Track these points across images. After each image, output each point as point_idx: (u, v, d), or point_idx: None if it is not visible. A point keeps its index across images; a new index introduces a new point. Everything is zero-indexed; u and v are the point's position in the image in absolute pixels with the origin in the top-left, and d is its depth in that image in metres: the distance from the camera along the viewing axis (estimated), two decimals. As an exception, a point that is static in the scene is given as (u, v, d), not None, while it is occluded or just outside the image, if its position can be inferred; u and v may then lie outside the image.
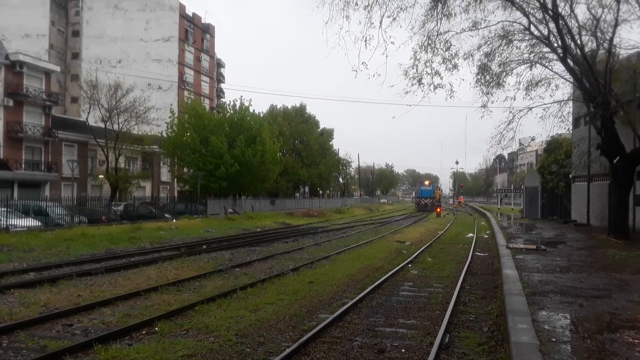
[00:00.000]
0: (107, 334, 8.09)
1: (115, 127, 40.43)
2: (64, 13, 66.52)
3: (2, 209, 25.65)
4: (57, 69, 47.91)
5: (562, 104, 23.56)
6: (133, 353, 7.34)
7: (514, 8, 20.06)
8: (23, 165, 39.95)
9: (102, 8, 64.04)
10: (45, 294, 11.37)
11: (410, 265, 16.58)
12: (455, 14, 18.98)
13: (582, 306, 8.59)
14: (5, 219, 24.81)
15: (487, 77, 21.86)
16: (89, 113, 41.51)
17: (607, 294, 9.74)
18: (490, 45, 21.21)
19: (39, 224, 26.25)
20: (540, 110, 23.01)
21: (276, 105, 70.16)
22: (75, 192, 35.88)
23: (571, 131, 33.04)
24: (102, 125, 40.88)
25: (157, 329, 8.63)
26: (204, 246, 22.08)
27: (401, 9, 17.72)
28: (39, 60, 43.93)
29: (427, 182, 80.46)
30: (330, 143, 76.02)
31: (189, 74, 67.61)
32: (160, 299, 11.01)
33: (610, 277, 11.66)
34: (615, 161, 21.38)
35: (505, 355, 6.75)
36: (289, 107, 70.39)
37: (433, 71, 19.62)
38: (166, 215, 37.34)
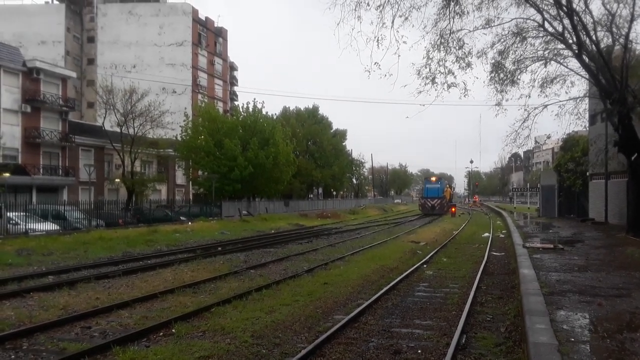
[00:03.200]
0: (124, 336, 8.19)
1: (131, 131, 40.88)
2: (79, 20, 67.55)
3: (22, 213, 26.11)
4: (73, 74, 48.62)
5: (578, 100, 23.26)
6: (151, 355, 7.41)
7: (528, 5, 19.85)
8: (41, 170, 40.56)
9: (117, 14, 64.93)
10: (64, 297, 11.53)
11: (425, 266, 16.49)
12: (467, 12, 18.82)
13: (601, 305, 8.46)
14: (24, 223, 25.23)
15: (501, 75, 21.65)
16: (104, 118, 42.06)
17: (626, 292, 9.59)
18: (503, 43, 21.02)
19: (58, 227, 26.67)
20: (556, 107, 22.73)
21: (289, 107, 70.35)
22: (92, 196, 36.40)
23: (588, 128, 32.56)
24: (117, 129, 41.35)
25: (174, 330, 8.71)
26: (219, 248, 22.20)
27: (413, 8, 17.64)
28: (55, 67, 44.63)
29: (433, 179, 62.76)
30: (344, 144, 75.92)
31: (203, 78, 68.12)
32: (177, 301, 11.10)
33: (629, 276, 11.47)
34: (633, 158, 21.02)
35: (523, 356, 6.68)
36: (302, 108, 70.52)
37: (446, 70, 19.45)
38: (182, 217, 37.64)
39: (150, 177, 47.35)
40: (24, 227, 25.06)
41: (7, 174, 34.24)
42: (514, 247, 18.03)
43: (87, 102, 65.10)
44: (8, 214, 25.30)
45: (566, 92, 24.53)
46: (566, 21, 19.77)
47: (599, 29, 20.46)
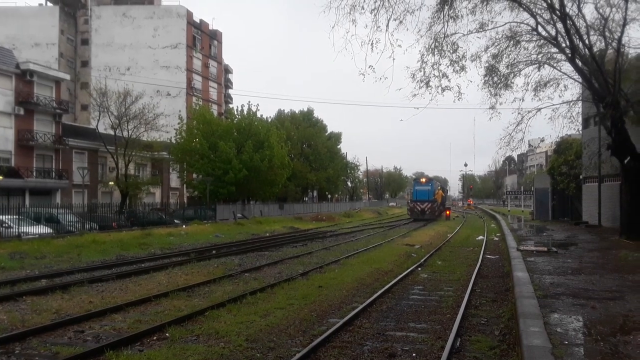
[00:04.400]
0: (118, 340, 8.13)
1: (125, 134, 40.72)
2: (73, 22, 67.30)
3: (14, 216, 25.93)
4: (67, 77, 48.40)
5: (571, 104, 23.39)
6: (144, 359, 7.38)
7: (521, 9, 19.95)
8: (34, 173, 40.31)
9: (111, 16, 64.73)
10: (57, 301, 11.46)
11: (420, 269, 16.52)
12: (462, 16, 18.89)
13: (595, 308, 8.50)
14: (17, 227, 25.08)
15: (495, 79, 21.74)
16: (98, 120, 41.88)
17: (619, 295, 9.64)
18: (497, 47, 21.10)
19: (51, 231, 26.50)
20: (549, 111, 22.86)
21: (284, 110, 70.62)
22: (85, 199, 36.17)
23: (581, 132, 32.78)
24: (111, 132, 41.18)
25: (167, 334, 8.66)
26: (214, 251, 22.12)
27: (408, 11, 17.66)
28: (49, 69, 44.41)
29: (423, 180, 56.27)
30: (338, 147, 76.01)
31: (197, 80, 68.01)
32: (171, 305, 11.05)
33: (622, 279, 11.53)
34: (626, 161, 21.16)
35: (517, 359, 6.69)
36: (297, 111, 70.66)
37: (440, 73, 19.50)
38: (176, 221, 37.52)
39: (144, 180, 47.15)
40: (16, 230, 24.90)
41: (0, 177, 34.03)
42: (508, 250, 18.08)
43: (80, 104, 64.82)
44: (1, 217, 25.12)
45: (559, 96, 24.61)
46: (559, 25, 19.90)
47: (592, 33, 20.59)
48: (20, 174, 38.72)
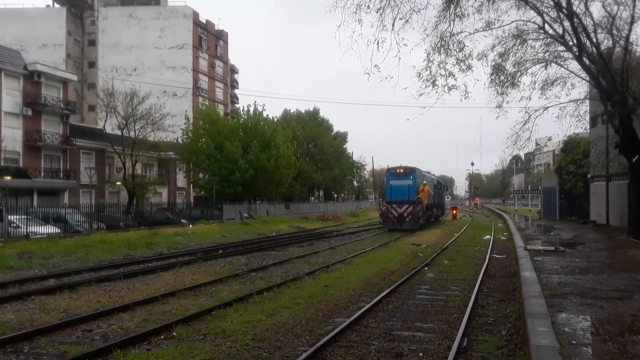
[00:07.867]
0: (126, 339, 8.17)
1: (132, 134, 40.93)
2: (80, 23, 67.69)
3: (23, 216, 26.11)
4: (74, 78, 48.69)
5: (578, 103, 23.24)
6: (152, 358, 7.41)
7: (528, 7, 19.86)
8: (42, 174, 40.60)
9: (117, 17, 65.05)
10: (65, 300, 11.53)
11: (426, 268, 16.48)
12: (468, 15, 18.82)
13: (603, 308, 8.45)
14: (25, 227, 25.26)
15: (502, 77, 21.63)
16: (105, 121, 42.11)
17: (628, 295, 9.57)
18: (504, 45, 21.01)
19: (59, 230, 26.67)
20: (557, 109, 22.72)
21: (289, 110, 70.56)
22: (93, 199, 36.37)
23: (588, 130, 32.57)
24: (119, 132, 41.41)
25: (175, 333, 8.70)
26: (220, 251, 22.18)
27: (414, 11, 17.62)
28: (56, 70, 44.70)
29: (400, 170, 36.83)
30: (344, 146, 75.95)
31: (204, 81, 68.17)
32: (178, 304, 11.09)
33: (631, 278, 11.45)
34: (634, 160, 21.00)
35: (525, 359, 6.67)
36: (303, 111, 70.72)
37: (447, 72, 19.42)
38: (183, 220, 37.65)
39: (151, 180, 47.39)
40: (25, 230, 25.08)
41: (8, 177, 34.28)
42: (515, 249, 18.01)
43: (88, 105, 65.19)
44: (9, 217, 25.30)
45: (567, 94, 24.45)
46: (566, 23, 19.78)
47: (599, 31, 20.46)
48: (28, 175, 38.99)
